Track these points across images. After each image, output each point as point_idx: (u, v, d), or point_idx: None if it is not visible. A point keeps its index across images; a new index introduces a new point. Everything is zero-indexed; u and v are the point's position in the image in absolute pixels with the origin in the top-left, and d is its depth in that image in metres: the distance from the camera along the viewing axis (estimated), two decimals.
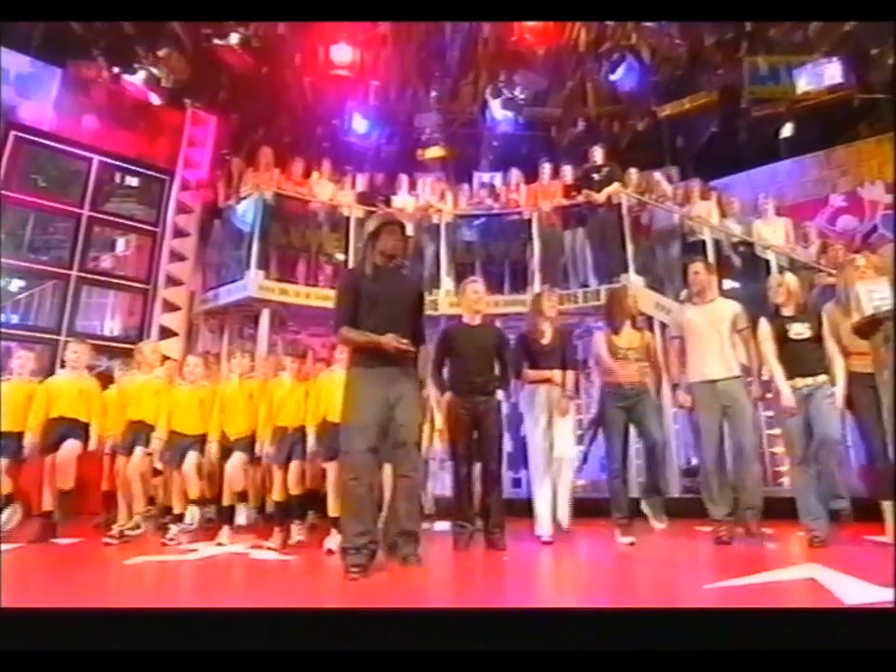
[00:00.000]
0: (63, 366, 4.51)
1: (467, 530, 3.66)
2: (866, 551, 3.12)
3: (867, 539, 3.30)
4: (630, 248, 6.13)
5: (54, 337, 6.43)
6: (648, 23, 7.16)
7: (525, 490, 6.19)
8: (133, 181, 7.93)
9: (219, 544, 3.87)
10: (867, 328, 2.14)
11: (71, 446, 4.11)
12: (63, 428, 4.13)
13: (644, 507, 3.80)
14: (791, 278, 3.80)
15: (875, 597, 1.98)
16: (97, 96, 7.34)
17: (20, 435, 4.09)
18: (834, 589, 2.10)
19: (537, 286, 6.28)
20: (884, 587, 2.05)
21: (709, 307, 3.83)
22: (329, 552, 3.52)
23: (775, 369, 3.52)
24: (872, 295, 2.19)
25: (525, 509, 4.87)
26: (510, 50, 8.08)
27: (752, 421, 3.74)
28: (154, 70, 7.38)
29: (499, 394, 3.85)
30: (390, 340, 2.72)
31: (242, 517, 4.49)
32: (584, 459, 6.81)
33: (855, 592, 2.06)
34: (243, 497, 4.21)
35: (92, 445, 4.21)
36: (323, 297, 6.41)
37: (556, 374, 3.93)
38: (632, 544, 3.61)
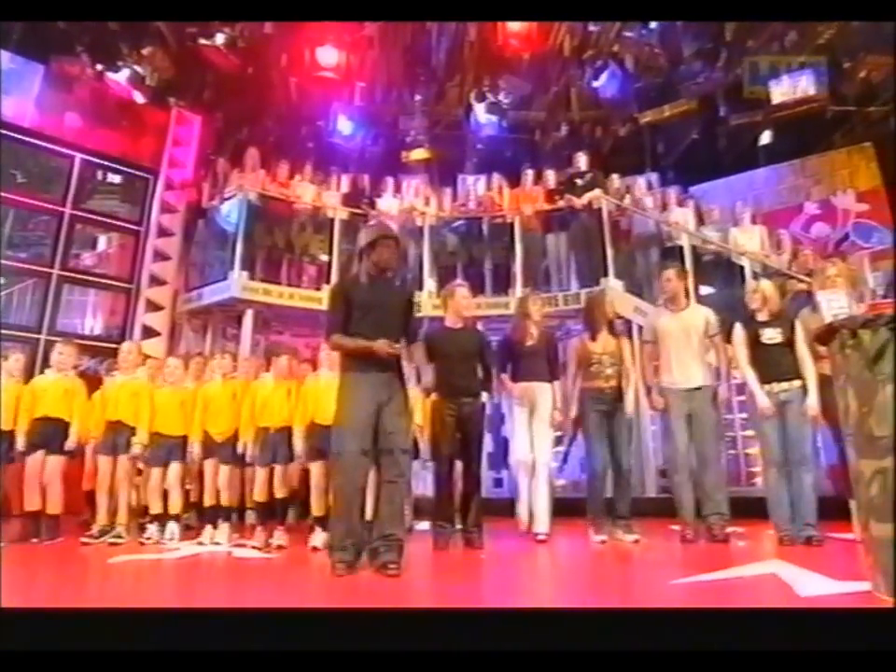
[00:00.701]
0: (49, 366, 4.49)
1: (446, 530, 3.73)
2: (832, 548, 3.25)
3: (832, 536, 3.42)
4: (610, 253, 6.24)
5: (34, 336, 6.39)
6: (628, 33, 7.28)
7: (507, 489, 6.29)
8: (115, 178, 7.89)
9: (200, 543, 3.91)
10: (825, 335, 2.24)
11: (53, 463, 4.12)
12: (47, 428, 4.14)
13: (614, 527, 3.87)
14: (766, 284, 3.90)
15: (831, 590, 2.10)
16: (80, 93, 7.30)
17: (9, 435, 4.10)
18: (793, 583, 2.22)
19: (518, 288, 6.38)
20: (843, 581, 2.18)
21: (682, 314, 3.94)
22: (315, 549, 3.60)
23: (747, 374, 3.64)
24: (830, 304, 2.31)
25: (505, 508, 4.98)
26: (495, 55, 8.18)
27: (716, 430, 3.85)
28: (138, 68, 7.35)
29: (483, 396, 3.91)
30: (382, 345, 2.79)
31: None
32: (565, 459, 6.94)
33: (812, 586, 2.17)
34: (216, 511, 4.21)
35: (71, 444, 4.21)
36: (306, 298, 6.46)
37: (538, 386, 4.01)
38: (603, 542, 3.71)
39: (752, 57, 7.24)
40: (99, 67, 7.34)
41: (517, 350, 4.08)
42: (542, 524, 3.86)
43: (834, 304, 2.30)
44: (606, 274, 6.14)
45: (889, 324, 1.96)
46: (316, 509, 3.84)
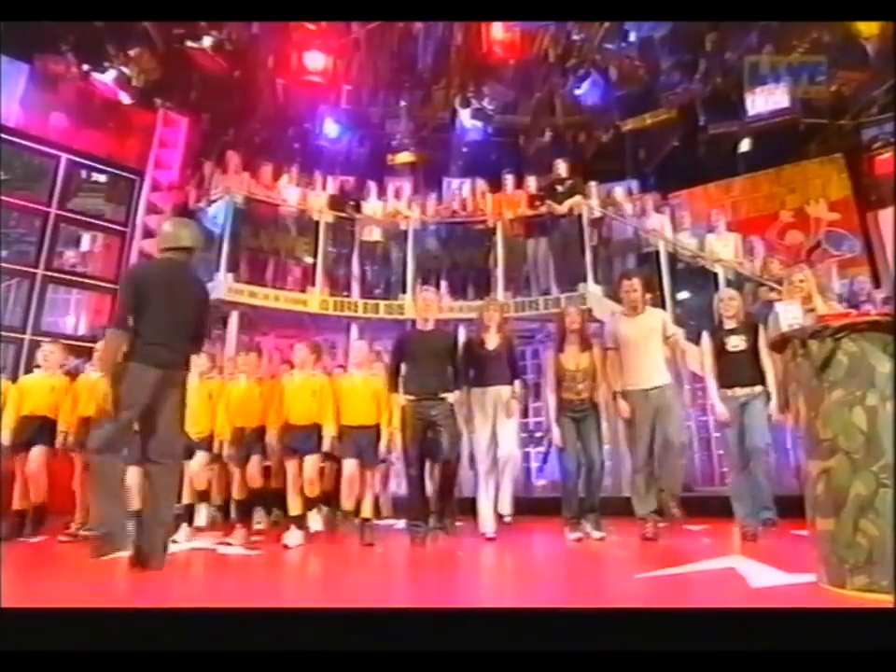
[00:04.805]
0: (35, 366, 4.55)
1: (422, 529, 3.83)
2: (789, 544, 3.41)
3: (795, 533, 3.59)
4: (589, 258, 6.39)
5: (19, 335, 6.40)
6: (608, 45, 7.46)
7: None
8: (100, 177, 7.91)
9: (173, 541, 3.97)
10: (779, 344, 2.40)
11: (37, 453, 4.16)
12: (32, 426, 4.20)
13: (584, 525, 3.98)
14: (736, 293, 4.11)
15: (781, 581, 2.26)
16: (66, 93, 7.31)
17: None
18: (747, 576, 2.37)
19: (500, 292, 6.51)
20: (795, 574, 2.33)
21: (640, 319, 4.06)
22: (286, 547, 3.71)
23: (710, 383, 3.84)
24: (786, 314, 2.46)
25: None
26: (480, 61, 8.32)
27: (680, 420, 3.98)
28: (125, 69, 7.38)
29: (453, 396, 3.97)
30: None
31: (202, 518, 4.52)
32: (544, 461, 7.07)
33: (764, 578, 2.33)
34: (204, 496, 4.34)
35: (58, 443, 4.25)
36: (291, 300, 6.56)
37: (504, 389, 4.13)
38: (579, 540, 3.84)
39: (751, 57, 7.32)
40: (85, 67, 7.36)
41: (478, 354, 4.17)
42: (506, 505, 4.01)
43: (789, 315, 2.44)
44: (585, 280, 6.29)
45: (835, 335, 2.11)
46: (292, 507, 3.94)
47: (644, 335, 3.98)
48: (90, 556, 2.74)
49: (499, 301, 4.97)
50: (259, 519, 4.00)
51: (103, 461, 2.87)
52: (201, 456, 4.21)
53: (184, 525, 4.12)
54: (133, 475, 3.82)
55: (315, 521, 3.78)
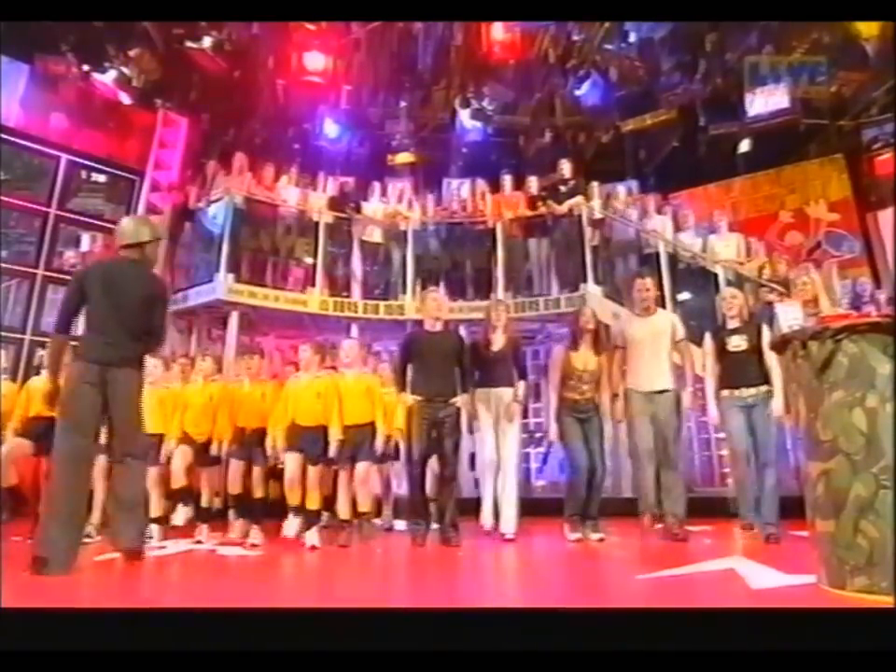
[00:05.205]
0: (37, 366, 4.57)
1: (422, 527, 3.84)
2: (790, 545, 3.41)
3: (795, 533, 3.58)
4: (589, 259, 6.38)
5: (18, 336, 6.40)
6: (608, 46, 7.46)
7: None
8: (100, 177, 7.90)
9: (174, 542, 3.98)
10: (780, 345, 2.40)
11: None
12: (38, 427, 4.20)
13: (583, 526, 3.96)
14: (738, 291, 4.12)
15: (780, 583, 2.26)
16: (66, 94, 7.31)
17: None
18: (747, 576, 2.37)
19: (500, 293, 6.50)
20: (793, 575, 2.33)
21: (651, 320, 4.07)
22: (285, 538, 3.71)
23: (708, 385, 3.84)
24: (787, 316, 2.47)
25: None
26: (480, 61, 8.32)
27: (678, 433, 3.95)
28: (125, 69, 7.38)
29: (461, 399, 3.99)
30: None
31: (181, 517, 4.44)
32: (544, 461, 7.06)
33: (764, 579, 2.33)
34: (186, 494, 4.33)
35: None
36: (292, 300, 6.55)
37: (509, 391, 4.11)
38: (579, 540, 3.83)
39: (751, 57, 7.30)
40: (85, 68, 7.35)
41: (484, 356, 4.15)
42: (510, 524, 3.93)
43: (790, 316, 2.45)
44: (585, 280, 6.28)
45: (835, 336, 2.11)
46: (290, 499, 3.95)
47: (653, 336, 3.98)
48: (29, 569, 2.66)
49: (504, 302, 4.95)
50: (255, 537, 3.98)
51: (69, 471, 2.82)
52: (182, 451, 4.20)
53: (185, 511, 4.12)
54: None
55: (313, 536, 3.76)
